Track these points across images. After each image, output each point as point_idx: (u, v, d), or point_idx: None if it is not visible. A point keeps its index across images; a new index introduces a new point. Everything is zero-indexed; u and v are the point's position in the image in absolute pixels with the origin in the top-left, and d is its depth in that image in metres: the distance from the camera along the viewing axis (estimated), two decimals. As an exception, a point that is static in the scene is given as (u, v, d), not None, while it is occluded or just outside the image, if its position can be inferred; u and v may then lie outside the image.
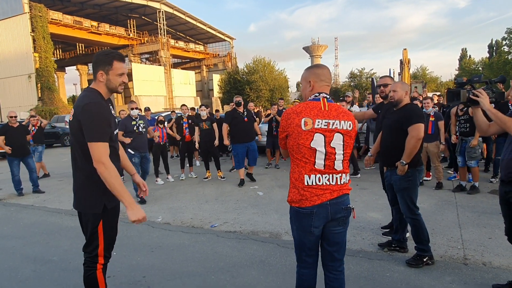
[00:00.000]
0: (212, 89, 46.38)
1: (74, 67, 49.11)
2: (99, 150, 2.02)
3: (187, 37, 49.34)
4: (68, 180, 8.52)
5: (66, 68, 49.46)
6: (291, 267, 2.67)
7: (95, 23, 37.67)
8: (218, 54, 51.41)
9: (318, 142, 1.97)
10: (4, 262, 3.74)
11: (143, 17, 43.06)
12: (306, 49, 78.45)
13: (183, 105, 8.51)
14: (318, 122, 1.98)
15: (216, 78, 42.73)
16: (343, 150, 2.04)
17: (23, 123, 7.84)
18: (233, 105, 7.57)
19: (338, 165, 2.03)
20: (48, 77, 31.72)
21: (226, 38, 50.35)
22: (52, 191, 7.33)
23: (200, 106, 8.52)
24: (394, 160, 3.21)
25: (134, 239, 4.27)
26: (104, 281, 2.28)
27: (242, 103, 7.27)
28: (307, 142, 1.97)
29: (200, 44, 51.21)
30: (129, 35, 41.81)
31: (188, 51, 47.89)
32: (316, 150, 1.98)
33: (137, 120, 6.27)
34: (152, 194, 6.63)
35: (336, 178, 2.03)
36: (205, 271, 3.29)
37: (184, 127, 7.85)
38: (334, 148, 2.00)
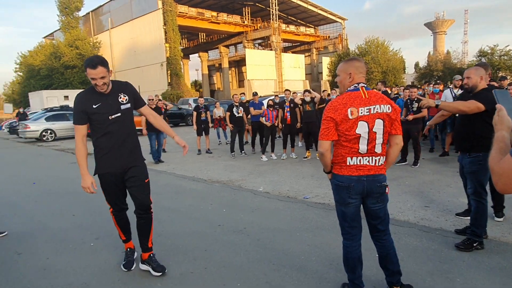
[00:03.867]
0: (321, 72, 46.20)
1: (197, 54, 54.45)
2: (75, 131, 2.88)
3: (298, 20, 49.74)
4: (191, 153, 10.18)
5: (190, 55, 55.28)
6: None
7: (214, 13, 41.02)
8: (329, 36, 50.58)
9: (362, 128, 2.24)
10: (148, 208, 5.08)
11: (257, 4, 45.00)
12: (428, 25, 70.92)
13: (286, 89, 9.23)
14: (361, 110, 2.25)
15: (326, 61, 42.34)
16: (382, 134, 2.30)
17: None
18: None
19: (378, 149, 2.31)
20: (176, 64, 36.21)
21: (337, 19, 49.11)
22: (179, 162, 8.96)
23: (304, 92, 9.08)
24: (466, 145, 3.34)
25: (239, 202, 5.23)
26: (116, 222, 3.21)
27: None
28: (353, 129, 2.25)
29: (311, 27, 51.07)
30: (244, 22, 44.31)
31: (299, 35, 48.36)
32: (360, 136, 2.25)
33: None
34: (257, 169, 7.60)
35: (375, 160, 2.32)
36: (292, 229, 3.99)
37: (286, 111, 8.57)
38: (376, 132, 2.27)
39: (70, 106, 21.72)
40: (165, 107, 10.34)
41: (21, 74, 40.04)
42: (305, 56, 49.35)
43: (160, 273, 3.02)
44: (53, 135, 16.66)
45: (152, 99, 8.92)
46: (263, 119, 8.64)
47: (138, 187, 2.99)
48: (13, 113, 32.05)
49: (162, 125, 3.22)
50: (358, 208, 2.44)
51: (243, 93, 11.89)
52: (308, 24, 50.84)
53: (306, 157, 8.39)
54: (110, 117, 2.86)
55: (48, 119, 16.98)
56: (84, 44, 37.23)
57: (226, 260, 3.30)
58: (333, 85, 36.73)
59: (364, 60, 2.45)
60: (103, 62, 2.77)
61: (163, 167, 8.29)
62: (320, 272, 2.99)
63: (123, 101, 2.92)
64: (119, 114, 2.89)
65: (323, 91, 11.34)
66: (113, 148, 2.90)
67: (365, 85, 2.34)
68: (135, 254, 3.35)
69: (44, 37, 50.89)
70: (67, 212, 5.03)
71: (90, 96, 2.86)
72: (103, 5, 43.14)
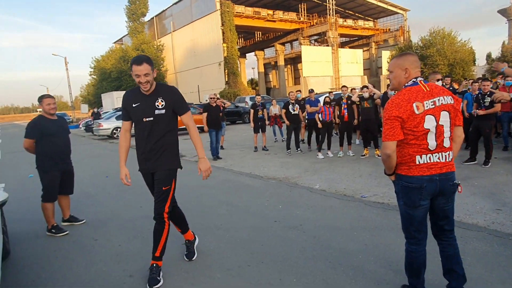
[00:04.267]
0: (381, 67, 44.27)
1: (253, 53, 55.17)
2: None
3: (356, 14, 48.12)
4: (248, 150, 10.41)
5: (247, 54, 56.18)
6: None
7: (270, 12, 41.22)
8: (389, 29, 48.25)
9: (430, 123, 2.16)
10: (207, 203, 5.33)
11: (313, -1, 44.37)
12: (503, 12, 64.22)
13: (343, 86, 9.02)
14: (426, 103, 2.16)
15: (386, 55, 40.48)
16: (449, 127, 2.21)
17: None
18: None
19: (447, 143, 2.21)
20: (233, 63, 37.11)
21: (398, 11, 46.66)
22: (236, 158, 9.22)
23: (362, 88, 8.84)
24: None
25: (295, 198, 5.26)
26: None
27: None
28: (420, 125, 2.15)
29: (370, 20, 49.14)
30: (299, 19, 43.95)
31: (357, 29, 46.80)
32: (429, 131, 2.16)
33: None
34: (313, 166, 7.56)
35: (445, 156, 2.22)
36: (349, 227, 3.93)
37: (343, 108, 8.39)
38: (443, 125, 2.19)
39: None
40: (223, 105, 10.67)
41: (95, 77, 43.74)
42: (363, 51, 47.65)
43: (149, 287, 2.88)
44: (121, 132, 18.00)
45: (213, 98, 9.33)
46: (318, 116, 8.56)
47: (156, 192, 3.00)
48: (89, 113, 35.16)
49: (194, 141, 3.00)
50: (427, 211, 2.33)
51: (299, 91, 11.86)
52: (366, 17, 48.97)
53: (364, 155, 8.15)
54: (144, 119, 2.88)
55: (118, 118, 18.37)
56: (149, 47, 39.60)
57: (282, 255, 3.36)
58: (394, 80, 34.97)
59: (416, 54, 2.34)
60: (148, 60, 2.80)
61: (221, 164, 8.58)
62: (378, 272, 2.93)
63: (158, 106, 2.87)
64: (151, 118, 2.87)
65: (388, 85, 10.86)
66: (144, 151, 2.96)
67: (422, 78, 2.26)
68: (196, 241, 3.52)
69: (114, 42, 55.11)
70: (135, 204, 5.45)
71: (134, 95, 2.94)
72: (166, 9, 45.53)
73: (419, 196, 2.23)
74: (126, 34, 45.98)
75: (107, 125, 18.12)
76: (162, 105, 2.88)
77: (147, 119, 2.88)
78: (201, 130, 14.03)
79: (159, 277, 2.97)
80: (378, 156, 7.92)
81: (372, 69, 49.10)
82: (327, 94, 11.99)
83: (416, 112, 2.15)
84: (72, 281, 3.12)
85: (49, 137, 4.23)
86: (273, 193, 5.67)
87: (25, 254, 3.79)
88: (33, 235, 4.31)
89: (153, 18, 47.62)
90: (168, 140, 2.98)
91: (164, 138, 2.94)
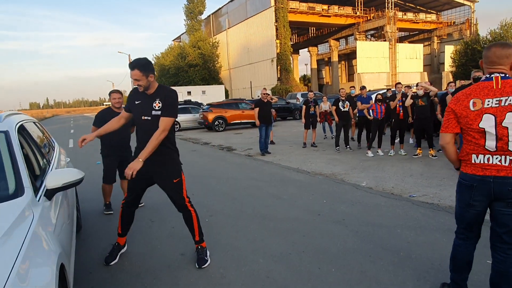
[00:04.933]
0: (443, 63, 41.60)
1: (306, 49, 54.68)
2: None
3: (417, 7, 45.60)
4: (297, 146, 10.52)
5: (300, 50, 55.81)
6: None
7: (325, 6, 40.53)
8: (454, 22, 45.09)
9: (487, 122, 2.01)
10: (254, 194, 5.56)
11: (371, -7, 42.82)
12: None
13: (398, 83, 8.76)
14: (488, 101, 2.01)
15: (449, 50, 38.02)
16: None
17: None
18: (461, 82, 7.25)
19: None
20: (286, 60, 37.15)
21: (465, 2, 43.38)
22: (285, 153, 9.37)
23: (417, 85, 8.53)
24: None
25: (340, 194, 5.30)
26: (120, 214, 3.35)
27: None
28: (476, 122, 2.04)
29: (432, 13, 46.30)
30: (355, 13, 42.69)
31: (417, 23, 44.36)
32: (485, 131, 2.03)
33: None
34: (361, 164, 7.49)
35: (510, 159, 2.02)
36: (393, 225, 3.93)
37: (398, 105, 8.15)
38: (507, 128, 1.98)
39: (192, 100, 24.42)
40: (270, 101, 10.88)
41: (155, 73, 46.19)
42: (424, 46, 45.02)
43: (198, 267, 3.13)
44: (178, 126, 18.97)
45: (265, 93, 9.58)
46: (369, 112, 8.42)
47: (168, 188, 3.16)
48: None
49: (149, 142, 2.87)
50: (480, 215, 2.23)
51: (353, 87, 11.69)
52: (429, 10, 46.19)
53: (416, 155, 7.89)
54: (142, 117, 2.98)
55: (174, 112, 19.40)
56: (205, 45, 41.02)
57: (323, 247, 3.47)
58: (456, 76, 32.73)
59: (506, 45, 2.09)
60: (140, 66, 2.86)
61: (270, 158, 8.79)
62: (419, 270, 2.94)
63: (155, 107, 2.94)
64: (149, 118, 2.95)
65: (448, 83, 10.30)
66: (142, 147, 2.95)
67: (503, 74, 2.05)
68: (123, 249, 3.48)
69: (173, 40, 57.75)
70: (188, 191, 5.79)
71: (138, 92, 3.03)
72: (222, 7, 46.75)
73: (470, 195, 2.18)
74: (184, 32, 47.97)
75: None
76: (159, 107, 2.94)
77: (145, 118, 2.98)
78: (253, 125, 14.48)
79: (206, 257, 3.25)
80: (432, 156, 7.62)
81: (433, 65, 46.31)
82: (384, 91, 11.69)
83: (471, 108, 2.06)
84: (132, 254, 3.52)
85: None
86: (318, 188, 5.75)
87: (93, 229, 4.30)
88: (100, 213, 4.85)
89: (209, 16, 49.14)
90: (166, 141, 2.99)
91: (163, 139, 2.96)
